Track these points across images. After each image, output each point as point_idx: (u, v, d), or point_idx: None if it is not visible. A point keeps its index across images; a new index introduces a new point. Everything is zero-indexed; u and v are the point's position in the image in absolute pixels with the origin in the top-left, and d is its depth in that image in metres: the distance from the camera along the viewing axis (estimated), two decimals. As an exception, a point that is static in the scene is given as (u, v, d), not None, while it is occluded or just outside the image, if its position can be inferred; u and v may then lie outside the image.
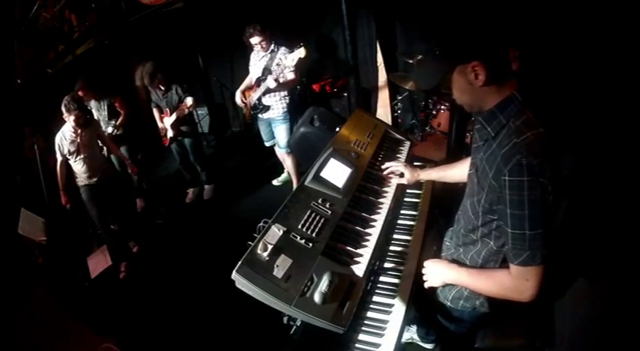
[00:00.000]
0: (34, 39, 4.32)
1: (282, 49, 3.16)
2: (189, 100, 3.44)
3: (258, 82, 3.27)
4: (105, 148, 3.42)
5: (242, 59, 5.01)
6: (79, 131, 2.88)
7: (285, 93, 3.30)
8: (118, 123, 3.73)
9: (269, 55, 3.20)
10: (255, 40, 3.11)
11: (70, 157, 2.95)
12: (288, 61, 2.96)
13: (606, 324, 1.25)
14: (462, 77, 1.04)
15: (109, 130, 3.64)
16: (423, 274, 1.35)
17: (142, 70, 3.39)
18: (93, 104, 3.65)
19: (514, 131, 1.00)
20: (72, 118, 2.78)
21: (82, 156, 2.95)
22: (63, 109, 2.80)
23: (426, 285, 1.34)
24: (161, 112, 3.68)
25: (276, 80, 3.15)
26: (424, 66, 1.19)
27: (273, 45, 3.18)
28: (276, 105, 3.34)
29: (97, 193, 3.05)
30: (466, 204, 1.27)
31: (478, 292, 1.27)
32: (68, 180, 3.04)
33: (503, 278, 1.09)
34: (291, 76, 3.16)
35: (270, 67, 3.18)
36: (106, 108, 3.73)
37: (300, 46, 2.85)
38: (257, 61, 3.31)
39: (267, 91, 3.23)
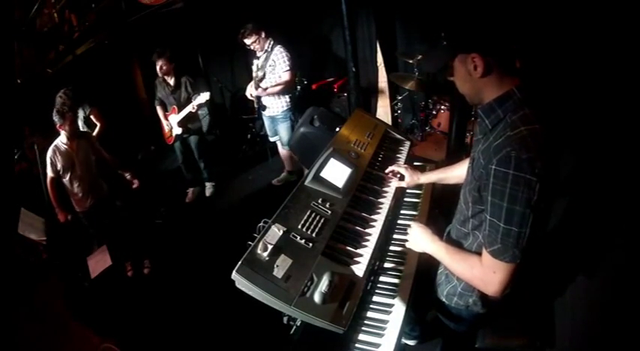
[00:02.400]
0: (34, 39, 4.32)
1: (277, 49, 3.14)
2: (205, 95, 3.38)
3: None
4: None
5: (242, 59, 5.03)
6: (74, 143, 2.76)
7: (284, 92, 3.29)
8: (94, 134, 3.66)
9: (264, 55, 3.19)
10: (248, 40, 3.11)
11: (63, 175, 2.77)
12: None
13: (606, 324, 1.25)
14: (463, 66, 1.07)
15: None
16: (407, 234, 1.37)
17: (159, 50, 3.40)
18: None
19: (509, 125, 1.02)
20: (67, 124, 2.65)
21: (77, 173, 2.80)
22: (56, 117, 2.62)
23: (407, 245, 1.37)
24: (165, 109, 3.66)
25: (259, 86, 3.15)
26: (433, 51, 1.22)
27: (267, 44, 3.17)
28: (275, 103, 3.33)
29: (94, 217, 2.96)
30: (461, 195, 1.29)
31: (451, 272, 1.28)
32: (62, 198, 2.88)
33: (475, 263, 1.11)
34: (285, 77, 3.15)
35: (265, 67, 3.17)
36: (82, 118, 3.70)
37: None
38: (255, 60, 3.30)
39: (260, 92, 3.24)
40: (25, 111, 3.75)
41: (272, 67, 3.18)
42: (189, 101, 3.49)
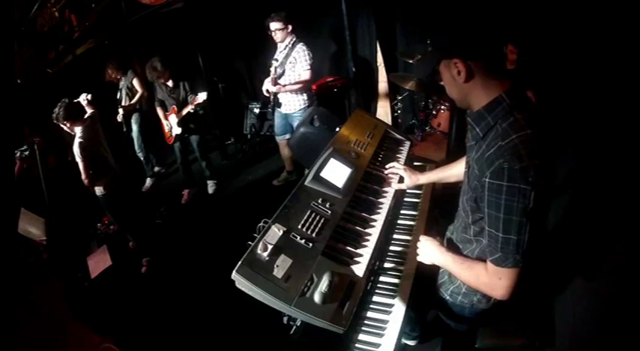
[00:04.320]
0: (34, 39, 4.32)
1: (299, 46, 3.13)
2: (203, 95, 3.39)
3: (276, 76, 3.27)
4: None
5: (242, 59, 5.03)
6: (84, 131, 2.83)
7: (302, 90, 3.28)
8: (134, 100, 4.07)
9: (285, 52, 3.18)
10: (274, 25, 3.07)
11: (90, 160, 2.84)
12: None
13: (606, 323, 1.25)
14: (447, 71, 1.08)
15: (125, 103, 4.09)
16: (417, 248, 1.37)
17: (149, 65, 3.43)
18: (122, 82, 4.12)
19: (500, 134, 1.02)
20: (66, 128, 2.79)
21: (97, 155, 2.88)
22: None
23: (418, 259, 1.37)
24: (166, 110, 3.68)
25: (277, 83, 3.13)
26: (423, 57, 1.24)
27: (290, 39, 3.15)
28: (292, 101, 3.32)
29: (113, 197, 2.97)
30: (460, 202, 1.30)
31: (459, 280, 1.30)
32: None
33: (480, 272, 1.12)
34: (305, 75, 3.14)
35: (285, 64, 3.17)
36: (126, 87, 4.06)
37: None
38: (277, 55, 3.28)
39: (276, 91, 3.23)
40: (25, 111, 3.75)
41: (292, 65, 3.16)
42: (187, 101, 3.51)
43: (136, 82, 4.09)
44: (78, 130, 2.79)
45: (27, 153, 2.97)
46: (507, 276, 1.04)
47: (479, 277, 1.13)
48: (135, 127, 4.26)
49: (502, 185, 0.96)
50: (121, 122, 4.06)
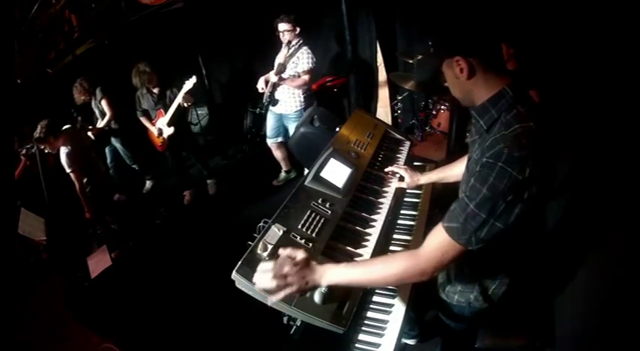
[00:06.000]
0: (34, 39, 4.32)
1: (304, 49, 3.16)
2: (192, 80, 3.32)
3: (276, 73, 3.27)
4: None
5: (242, 59, 5.03)
6: (67, 138, 2.95)
7: (300, 90, 3.29)
8: (102, 124, 3.85)
9: (290, 52, 3.20)
10: (282, 26, 3.11)
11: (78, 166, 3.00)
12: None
13: (606, 324, 1.25)
14: (450, 71, 1.08)
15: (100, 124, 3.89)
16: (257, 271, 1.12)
17: (136, 70, 3.40)
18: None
19: (504, 124, 1.02)
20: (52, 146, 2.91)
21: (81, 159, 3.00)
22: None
23: (270, 301, 1.11)
24: (150, 119, 3.62)
25: (279, 76, 3.15)
26: (423, 59, 1.23)
27: (296, 41, 3.17)
28: (288, 101, 3.32)
29: (97, 196, 3.05)
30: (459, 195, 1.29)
31: (374, 284, 1.24)
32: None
33: (410, 254, 1.05)
34: (304, 76, 3.16)
35: (287, 63, 3.19)
36: (96, 105, 3.89)
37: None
38: (281, 53, 3.29)
39: (275, 85, 3.23)
40: (25, 111, 3.75)
41: (295, 64, 3.20)
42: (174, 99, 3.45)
43: (104, 103, 3.83)
44: (61, 145, 2.94)
45: (33, 150, 2.98)
46: (452, 252, 0.99)
47: (408, 260, 1.04)
48: (117, 144, 4.12)
49: (496, 164, 0.94)
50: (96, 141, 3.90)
